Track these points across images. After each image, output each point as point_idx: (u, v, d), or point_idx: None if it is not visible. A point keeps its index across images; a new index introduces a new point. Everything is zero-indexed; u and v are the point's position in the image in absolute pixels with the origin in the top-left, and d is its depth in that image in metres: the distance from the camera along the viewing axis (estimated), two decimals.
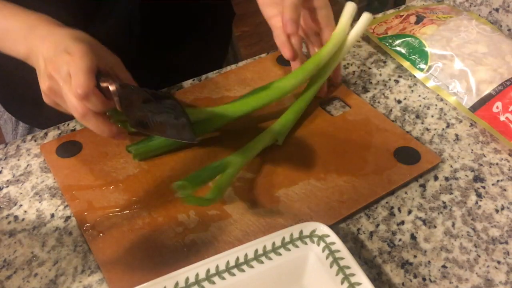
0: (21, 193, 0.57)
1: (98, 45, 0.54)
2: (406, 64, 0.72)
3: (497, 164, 0.59)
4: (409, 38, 0.73)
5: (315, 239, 0.47)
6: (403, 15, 0.79)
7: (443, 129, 0.64)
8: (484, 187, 0.57)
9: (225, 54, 0.85)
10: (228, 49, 0.85)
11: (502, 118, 0.61)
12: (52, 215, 0.54)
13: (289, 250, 0.47)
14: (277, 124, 0.60)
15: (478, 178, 0.58)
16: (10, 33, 0.54)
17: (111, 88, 0.49)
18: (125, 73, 0.56)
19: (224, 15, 0.83)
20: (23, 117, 0.78)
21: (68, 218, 0.54)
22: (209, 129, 0.60)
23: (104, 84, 0.49)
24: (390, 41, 0.75)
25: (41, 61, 0.50)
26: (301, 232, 0.48)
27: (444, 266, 0.49)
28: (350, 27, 0.64)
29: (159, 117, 0.51)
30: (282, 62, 0.73)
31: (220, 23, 0.78)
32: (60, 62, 0.49)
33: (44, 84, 0.51)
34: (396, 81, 0.71)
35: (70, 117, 0.65)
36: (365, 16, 0.64)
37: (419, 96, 0.69)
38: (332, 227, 0.50)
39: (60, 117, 0.66)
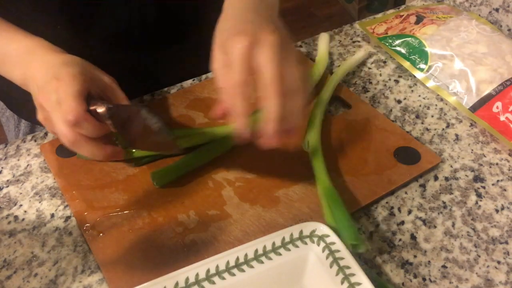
0: (21, 193, 0.57)
1: (90, 66, 0.52)
2: (406, 64, 0.72)
3: (497, 164, 0.59)
4: (409, 38, 0.73)
5: (315, 239, 0.47)
6: (403, 15, 0.79)
7: (443, 129, 0.64)
8: (484, 187, 0.57)
9: None
10: None
11: (502, 118, 0.61)
12: (52, 215, 0.54)
13: (289, 250, 0.47)
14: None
15: (478, 178, 0.58)
16: (8, 57, 0.54)
17: (100, 110, 0.48)
18: (119, 93, 0.54)
19: None
20: (24, 114, 0.78)
21: (68, 218, 0.54)
22: (224, 148, 0.60)
23: (93, 107, 0.48)
24: (390, 41, 0.75)
25: (35, 89, 0.50)
26: (301, 232, 0.48)
27: (444, 266, 0.49)
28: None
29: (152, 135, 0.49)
30: None
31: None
32: (49, 89, 0.48)
33: (39, 115, 0.50)
34: (396, 81, 0.71)
35: None
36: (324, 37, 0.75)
37: (419, 96, 0.69)
38: (332, 227, 0.50)
39: None
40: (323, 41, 0.74)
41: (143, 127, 0.48)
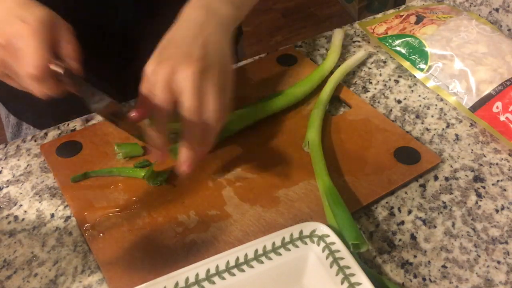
0: (21, 193, 0.57)
1: (52, 12, 0.47)
2: (406, 64, 0.72)
3: (497, 164, 0.59)
4: (409, 38, 0.73)
5: (315, 239, 0.47)
6: (403, 15, 0.79)
7: (443, 129, 0.64)
8: (484, 187, 0.57)
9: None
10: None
11: (502, 118, 0.61)
12: (52, 215, 0.54)
13: (289, 250, 0.47)
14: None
15: (478, 178, 0.58)
16: None
17: (58, 70, 0.44)
18: (73, 44, 0.48)
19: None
20: (11, 109, 0.78)
21: (68, 218, 0.54)
22: (228, 133, 0.61)
23: (52, 67, 0.44)
24: (390, 41, 0.75)
25: None
26: (301, 232, 0.48)
27: (444, 266, 0.49)
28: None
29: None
30: (282, 62, 0.73)
31: None
32: (11, 31, 0.43)
33: None
34: (396, 81, 0.71)
35: (66, 117, 0.66)
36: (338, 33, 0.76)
37: (419, 96, 0.69)
38: (332, 227, 0.50)
39: (53, 114, 0.66)
40: (337, 37, 0.74)
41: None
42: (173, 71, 0.47)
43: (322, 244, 0.47)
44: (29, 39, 0.43)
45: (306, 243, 0.47)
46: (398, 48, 0.74)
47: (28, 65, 0.43)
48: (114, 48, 0.70)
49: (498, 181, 0.57)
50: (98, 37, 0.68)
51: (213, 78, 0.49)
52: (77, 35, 0.66)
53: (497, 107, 0.62)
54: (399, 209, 0.54)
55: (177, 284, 0.44)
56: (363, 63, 0.74)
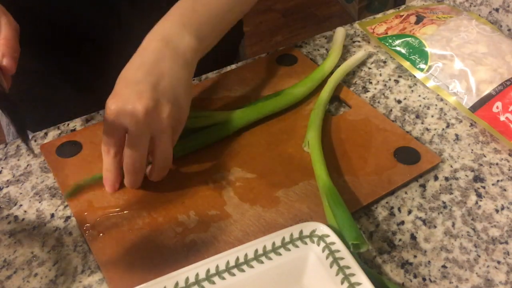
0: (21, 193, 0.57)
1: None
2: (406, 64, 0.72)
3: (497, 164, 0.59)
4: (409, 38, 0.73)
5: (315, 239, 0.47)
6: (403, 15, 0.79)
7: (443, 129, 0.64)
8: (484, 187, 0.57)
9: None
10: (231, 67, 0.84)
11: (502, 118, 0.61)
12: (52, 215, 0.54)
13: (289, 250, 0.47)
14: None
15: (478, 178, 0.58)
16: None
17: None
18: (11, 40, 0.46)
19: (232, 36, 0.80)
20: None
21: (68, 218, 0.54)
22: (228, 132, 0.61)
23: None
24: (390, 41, 0.75)
25: None
26: (301, 232, 0.48)
27: (444, 266, 0.49)
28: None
29: None
30: (282, 62, 0.73)
31: (227, 43, 0.72)
32: None
33: None
34: (396, 81, 0.71)
35: (64, 118, 0.66)
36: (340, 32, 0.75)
37: (419, 96, 0.69)
38: (332, 227, 0.50)
39: (54, 119, 0.66)
40: (339, 36, 0.74)
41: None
42: (122, 109, 0.48)
43: (322, 244, 0.47)
44: None
45: (306, 243, 0.47)
46: (398, 48, 0.74)
47: None
48: (92, 53, 0.70)
49: (498, 181, 0.57)
50: (76, 41, 0.68)
51: (163, 116, 0.50)
52: (58, 38, 0.66)
53: (497, 107, 0.62)
54: (399, 209, 0.54)
55: (177, 284, 0.44)
56: (363, 63, 0.74)
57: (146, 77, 0.50)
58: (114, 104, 0.49)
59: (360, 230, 0.52)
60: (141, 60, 0.51)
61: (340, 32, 0.75)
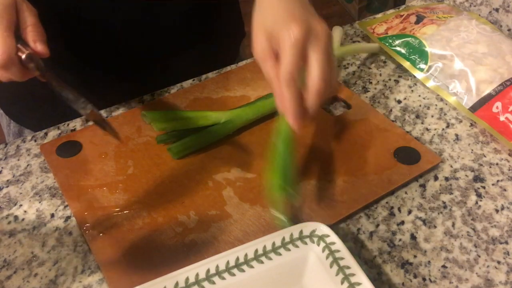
0: (21, 193, 0.57)
1: None
2: (406, 64, 0.72)
3: (497, 164, 0.59)
4: (409, 38, 0.73)
5: (315, 239, 0.47)
6: (403, 15, 0.79)
7: (443, 129, 0.64)
8: (484, 187, 0.57)
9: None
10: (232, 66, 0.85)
11: (502, 118, 0.61)
12: (52, 215, 0.54)
13: (289, 250, 0.47)
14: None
15: (478, 178, 0.58)
16: None
17: (23, 56, 0.44)
18: (38, 27, 0.47)
19: (233, 36, 0.79)
20: (13, 116, 0.78)
21: (68, 218, 0.54)
22: (227, 132, 0.61)
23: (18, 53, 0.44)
24: (390, 41, 0.75)
25: None
26: (301, 232, 0.48)
27: (444, 266, 0.49)
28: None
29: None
30: None
31: (228, 43, 0.72)
32: None
33: None
34: (396, 81, 0.71)
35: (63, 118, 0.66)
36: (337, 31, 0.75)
37: (419, 96, 0.69)
38: (332, 227, 0.50)
39: (54, 118, 0.66)
40: (335, 34, 0.74)
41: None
42: (306, 33, 0.47)
43: (322, 244, 0.47)
44: None
45: (306, 243, 0.47)
46: (398, 48, 0.74)
47: None
48: (93, 54, 0.70)
49: (498, 181, 0.57)
50: (77, 42, 0.68)
51: (327, 46, 0.49)
52: (59, 39, 0.66)
53: (497, 107, 0.62)
54: (399, 209, 0.54)
55: (177, 284, 0.44)
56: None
57: (303, 3, 0.50)
58: (300, 26, 0.47)
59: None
60: None
61: (337, 31, 0.75)
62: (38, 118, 0.73)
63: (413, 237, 0.52)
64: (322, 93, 0.48)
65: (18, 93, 0.73)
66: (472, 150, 0.61)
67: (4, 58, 0.42)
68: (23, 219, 0.54)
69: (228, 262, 0.46)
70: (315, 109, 0.49)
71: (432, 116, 0.66)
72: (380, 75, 0.72)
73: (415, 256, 0.50)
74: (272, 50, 0.49)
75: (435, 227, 0.53)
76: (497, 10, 0.78)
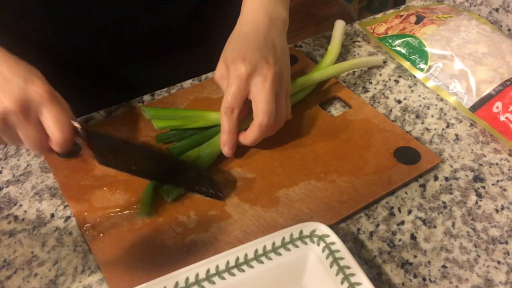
0: (21, 193, 0.57)
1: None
2: (406, 64, 0.72)
3: (497, 164, 0.59)
4: (409, 38, 0.73)
5: (315, 239, 0.47)
6: (403, 15, 0.79)
7: (443, 129, 0.64)
8: (484, 187, 0.57)
9: None
10: None
11: (502, 118, 0.61)
12: (52, 215, 0.54)
13: (289, 250, 0.47)
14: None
15: (478, 178, 0.58)
16: None
17: (79, 127, 0.49)
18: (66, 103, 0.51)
19: None
20: None
21: (68, 218, 0.54)
22: None
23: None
24: (390, 41, 0.75)
25: None
26: (301, 232, 0.48)
27: (444, 266, 0.49)
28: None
29: (147, 165, 0.55)
30: None
31: None
32: (30, 94, 0.45)
33: None
34: (396, 81, 0.71)
35: None
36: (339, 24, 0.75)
37: (419, 96, 0.69)
38: (332, 227, 0.50)
39: None
40: (338, 29, 0.74)
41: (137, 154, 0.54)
42: (249, 73, 0.53)
43: (322, 244, 0.47)
44: (49, 103, 0.46)
45: (306, 243, 0.47)
46: (398, 48, 0.74)
47: (58, 130, 0.46)
48: (94, 55, 0.70)
49: (498, 181, 0.57)
50: (78, 44, 0.68)
51: (283, 83, 0.56)
52: (60, 39, 0.66)
53: (497, 107, 0.62)
54: (399, 209, 0.54)
55: (177, 284, 0.44)
56: None
57: (266, 44, 0.56)
58: (245, 66, 0.53)
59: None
60: (255, 29, 0.57)
61: (339, 25, 0.74)
62: None
63: (413, 237, 0.52)
64: (264, 127, 0.54)
65: None
66: (472, 150, 0.61)
67: (67, 134, 0.47)
68: (23, 219, 0.54)
69: (228, 262, 0.46)
70: (253, 141, 0.56)
71: (432, 116, 0.66)
72: (380, 75, 0.72)
73: (415, 256, 0.50)
74: (226, 77, 0.55)
75: (435, 227, 0.53)
76: (497, 10, 0.78)
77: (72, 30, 0.66)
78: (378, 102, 0.68)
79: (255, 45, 0.55)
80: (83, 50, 0.69)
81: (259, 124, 0.54)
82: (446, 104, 0.67)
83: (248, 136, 0.55)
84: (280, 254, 0.47)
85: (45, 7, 0.62)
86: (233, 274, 0.45)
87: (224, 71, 0.56)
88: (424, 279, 0.48)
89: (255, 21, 0.58)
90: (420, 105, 0.67)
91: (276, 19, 0.59)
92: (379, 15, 0.83)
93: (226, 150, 0.56)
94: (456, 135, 0.63)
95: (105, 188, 0.56)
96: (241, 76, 0.53)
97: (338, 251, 0.46)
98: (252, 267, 0.46)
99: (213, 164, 0.58)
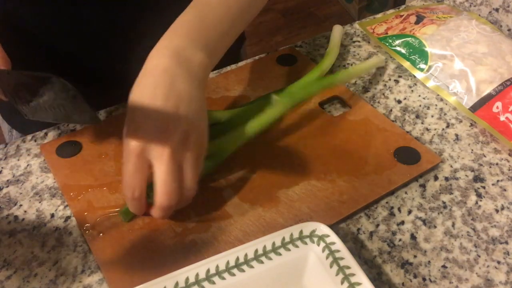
0: (21, 193, 0.57)
1: None
2: (406, 64, 0.72)
3: (497, 164, 0.59)
4: (409, 38, 0.73)
5: (315, 239, 0.47)
6: (403, 15, 0.79)
7: (443, 129, 0.64)
8: (484, 187, 0.57)
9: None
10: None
11: (502, 118, 0.61)
12: (52, 215, 0.54)
13: (289, 250, 0.47)
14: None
15: (478, 178, 0.58)
16: None
17: None
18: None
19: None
20: (17, 125, 0.78)
21: (68, 218, 0.54)
22: (229, 130, 0.60)
23: None
24: (390, 41, 0.75)
25: None
26: (301, 232, 0.48)
27: (444, 266, 0.49)
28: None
29: (50, 100, 0.45)
30: (282, 62, 0.73)
31: (229, 48, 0.71)
32: None
33: None
34: (396, 81, 0.71)
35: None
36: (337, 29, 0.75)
37: (419, 96, 0.69)
38: (332, 227, 0.50)
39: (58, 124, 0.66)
40: (336, 33, 0.74)
41: (50, 95, 0.44)
42: (147, 145, 0.46)
43: (322, 244, 0.47)
44: None
45: (306, 243, 0.47)
46: (398, 48, 0.74)
47: None
48: (94, 55, 0.69)
49: (498, 181, 0.57)
50: (78, 43, 0.68)
51: (190, 149, 0.47)
52: (59, 38, 0.65)
53: (497, 107, 0.62)
54: (399, 209, 0.54)
55: (177, 284, 0.44)
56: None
57: (166, 104, 0.46)
58: (136, 141, 0.46)
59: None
60: (154, 81, 0.47)
61: (337, 30, 0.74)
62: (41, 126, 0.73)
63: (413, 237, 0.52)
64: (166, 208, 0.48)
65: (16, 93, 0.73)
66: (472, 150, 0.61)
67: None
68: (23, 219, 0.54)
69: (228, 262, 0.46)
70: (162, 218, 0.50)
71: (432, 116, 0.66)
72: (380, 75, 0.72)
73: (415, 256, 0.50)
74: (141, 165, 0.47)
75: (435, 227, 0.53)
76: (497, 10, 0.78)
77: (66, 31, 0.66)
78: (378, 102, 0.68)
79: (150, 105, 0.46)
80: (79, 50, 0.69)
81: (160, 206, 0.47)
82: (446, 104, 0.67)
83: (155, 215, 0.50)
84: (280, 254, 0.47)
85: (38, 11, 0.62)
86: (233, 274, 0.45)
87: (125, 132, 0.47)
88: (424, 279, 0.48)
89: (158, 65, 0.48)
90: (420, 105, 0.67)
91: (187, 62, 0.49)
92: (379, 15, 0.83)
93: (137, 213, 0.51)
94: (456, 135, 0.63)
95: (105, 188, 0.56)
96: (134, 152, 0.46)
97: (338, 251, 0.46)
98: (252, 267, 0.46)
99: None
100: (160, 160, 0.46)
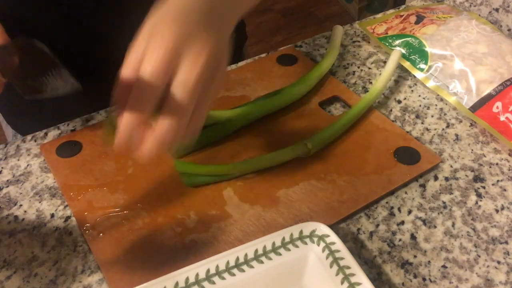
0: (21, 193, 0.57)
1: None
2: (406, 64, 0.72)
3: (497, 164, 0.59)
4: (409, 38, 0.73)
5: (315, 239, 0.47)
6: (403, 15, 0.79)
7: (443, 129, 0.64)
8: (484, 187, 0.57)
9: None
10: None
11: (502, 118, 0.61)
12: (52, 215, 0.54)
13: (289, 250, 0.47)
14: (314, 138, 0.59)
15: (478, 178, 0.58)
16: None
17: None
18: None
19: (236, 39, 0.80)
20: (21, 129, 0.78)
21: (68, 218, 0.54)
22: (226, 132, 0.61)
23: None
24: (390, 41, 0.75)
25: None
26: (301, 232, 0.48)
27: (444, 266, 0.49)
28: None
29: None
30: (282, 62, 0.73)
31: (232, 47, 0.70)
32: None
33: None
34: (396, 81, 0.71)
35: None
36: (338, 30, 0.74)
37: (419, 96, 0.69)
38: (332, 227, 0.50)
39: (53, 118, 0.66)
40: (337, 34, 0.74)
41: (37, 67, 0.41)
42: (177, 47, 0.38)
43: (322, 244, 0.47)
44: None
45: (306, 243, 0.47)
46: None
47: None
48: (94, 54, 0.69)
49: (498, 181, 0.57)
50: (77, 42, 0.67)
51: (218, 72, 0.41)
52: (58, 37, 0.64)
53: (497, 107, 0.62)
54: (399, 209, 0.54)
55: (177, 284, 0.44)
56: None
57: (210, 9, 0.41)
58: (180, 28, 0.38)
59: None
60: None
61: (338, 30, 0.75)
62: (37, 118, 0.73)
63: (413, 237, 0.52)
64: (180, 112, 0.38)
65: (24, 107, 0.73)
66: (472, 150, 0.61)
67: None
68: (23, 219, 0.54)
69: (228, 262, 0.46)
70: (149, 153, 0.40)
71: (432, 116, 0.66)
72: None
73: (415, 256, 0.50)
74: (175, 61, 0.39)
75: (435, 227, 0.53)
76: (497, 10, 0.78)
77: (65, 31, 0.66)
78: (378, 102, 0.68)
79: (195, 6, 0.40)
80: (82, 52, 0.69)
81: (176, 109, 0.38)
82: (446, 104, 0.67)
83: (158, 131, 0.39)
84: (280, 254, 0.47)
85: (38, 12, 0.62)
86: (233, 274, 0.45)
87: (143, 45, 0.39)
88: (424, 279, 0.48)
89: None
90: (420, 105, 0.67)
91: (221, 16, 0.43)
92: (379, 15, 0.83)
93: (119, 147, 0.40)
94: (456, 135, 0.63)
95: (105, 188, 0.56)
96: (168, 45, 0.37)
97: (338, 251, 0.46)
98: (252, 267, 0.46)
99: (213, 163, 0.58)
100: (198, 57, 0.38)
